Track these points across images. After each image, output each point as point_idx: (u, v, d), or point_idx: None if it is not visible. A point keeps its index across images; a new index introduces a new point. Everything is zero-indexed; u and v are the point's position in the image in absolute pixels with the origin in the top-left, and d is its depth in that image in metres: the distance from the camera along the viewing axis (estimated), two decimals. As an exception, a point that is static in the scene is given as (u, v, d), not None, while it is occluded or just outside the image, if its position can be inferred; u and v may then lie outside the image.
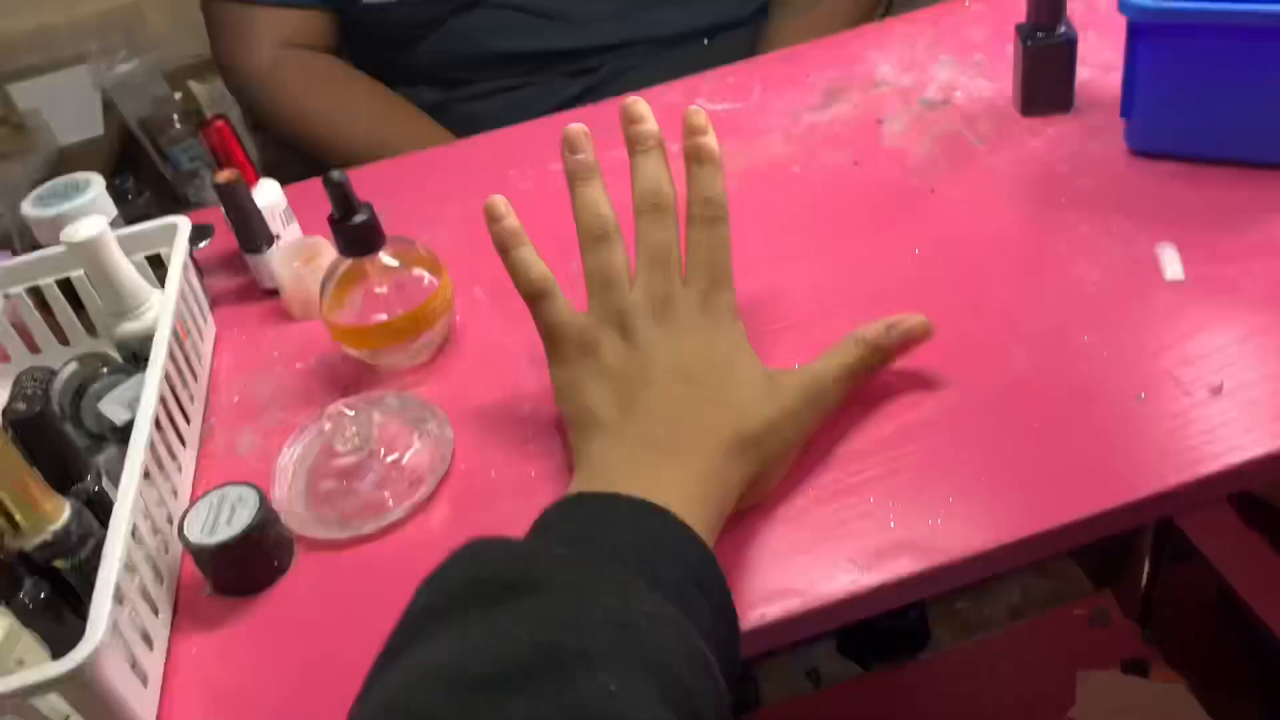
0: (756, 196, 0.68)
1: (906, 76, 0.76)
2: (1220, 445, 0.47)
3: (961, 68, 0.75)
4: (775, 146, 0.72)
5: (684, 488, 0.44)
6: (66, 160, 1.43)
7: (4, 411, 0.51)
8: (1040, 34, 0.66)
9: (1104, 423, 0.49)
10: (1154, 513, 0.47)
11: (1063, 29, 0.66)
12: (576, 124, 0.53)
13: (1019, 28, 0.67)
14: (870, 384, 0.53)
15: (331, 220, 0.57)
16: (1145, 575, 1.19)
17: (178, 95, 1.49)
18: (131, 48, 1.50)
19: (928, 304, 0.53)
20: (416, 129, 0.96)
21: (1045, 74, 0.67)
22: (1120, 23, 0.59)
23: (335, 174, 0.56)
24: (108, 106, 1.51)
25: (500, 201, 0.53)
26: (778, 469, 0.49)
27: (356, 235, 0.57)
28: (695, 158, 0.51)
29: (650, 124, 0.52)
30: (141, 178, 0.84)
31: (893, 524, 0.47)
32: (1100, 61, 0.71)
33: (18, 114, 1.48)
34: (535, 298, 0.52)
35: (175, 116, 1.47)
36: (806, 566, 0.47)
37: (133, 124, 1.49)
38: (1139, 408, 0.50)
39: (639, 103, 0.52)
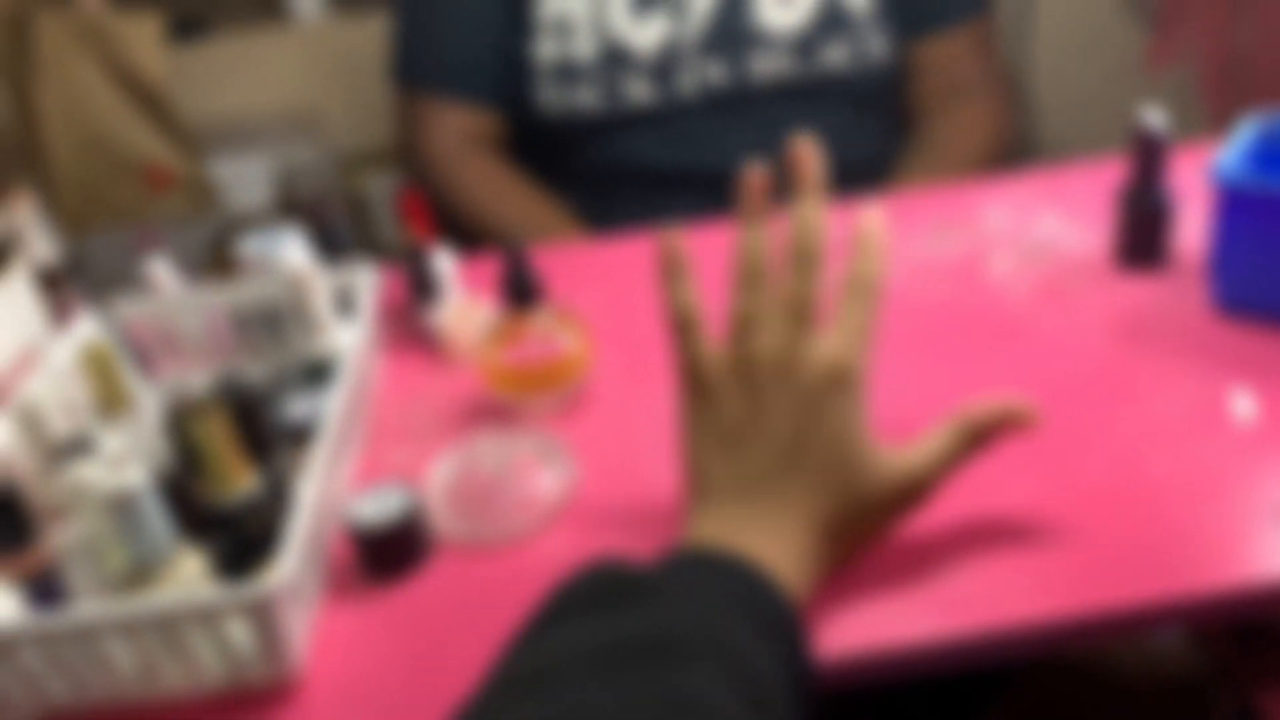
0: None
1: (1014, 224, 0.84)
2: (1268, 565, 0.52)
3: (1067, 222, 0.83)
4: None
5: (777, 557, 0.49)
6: (236, 225, 1.61)
7: (226, 385, 0.61)
8: (1139, 197, 0.74)
9: (1163, 530, 0.55)
10: (1203, 614, 0.52)
11: (1160, 194, 0.74)
12: (759, 172, 0.54)
13: (1121, 189, 0.75)
14: (961, 471, 0.59)
15: (506, 275, 0.67)
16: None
17: (343, 181, 1.67)
18: (310, 134, 1.69)
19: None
20: (562, 227, 1.08)
21: (1140, 233, 0.75)
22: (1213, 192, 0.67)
23: (516, 242, 0.67)
24: (280, 184, 1.69)
25: (675, 237, 0.55)
26: (863, 547, 0.54)
27: (525, 290, 0.67)
28: (862, 245, 0.53)
29: (816, 169, 0.53)
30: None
31: (957, 587, 0.53)
32: (1194, 225, 0.78)
33: (207, 185, 1.67)
34: (680, 329, 0.54)
35: (336, 199, 1.63)
36: (883, 615, 0.53)
37: (299, 201, 1.66)
38: (1197, 523, 0.55)
39: (808, 146, 0.54)
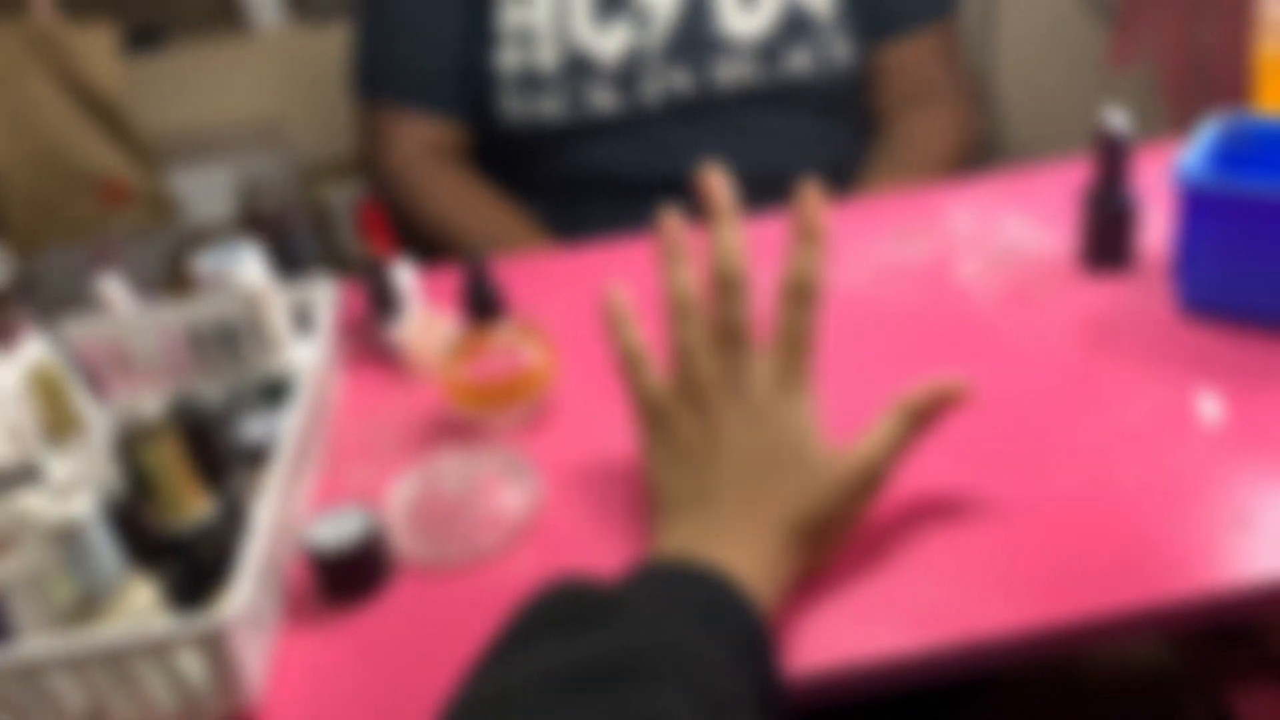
0: (824, 316, 0.75)
1: (979, 228, 0.84)
2: (1236, 570, 0.52)
3: (1032, 224, 0.83)
4: (846, 275, 0.80)
5: (744, 567, 0.49)
6: (195, 239, 1.58)
7: (178, 407, 0.59)
8: (1103, 198, 0.74)
9: (1133, 537, 0.54)
10: (1176, 620, 0.51)
11: (1124, 195, 0.73)
12: (673, 215, 0.57)
13: (1085, 191, 0.75)
14: (920, 480, 0.59)
15: (467, 289, 0.66)
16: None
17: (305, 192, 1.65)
18: (271, 145, 1.67)
19: (975, 421, 0.59)
20: (526, 236, 1.07)
21: (1105, 235, 0.74)
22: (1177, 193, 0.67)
23: (477, 255, 0.66)
24: (242, 196, 1.66)
25: (617, 287, 0.59)
26: (833, 548, 0.54)
27: (487, 304, 0.65)
28: (803, 234, 0.53)
29: (724, 195, 0.55)
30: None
31: (928, 600, 0.52)
32: (1159, 226, 0.78)
33: (165, 197, 1.64)
34: (627, 365, 0.57)
35: (299, 211, 1.61)
36: (848, 629, 0.52)
37: (260, 213, 1.64)
38: (1166, 530, 0.55)
39: (717, 177, 0.56)
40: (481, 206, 1.09)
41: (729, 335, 0.54)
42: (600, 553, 0.59)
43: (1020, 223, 0.84)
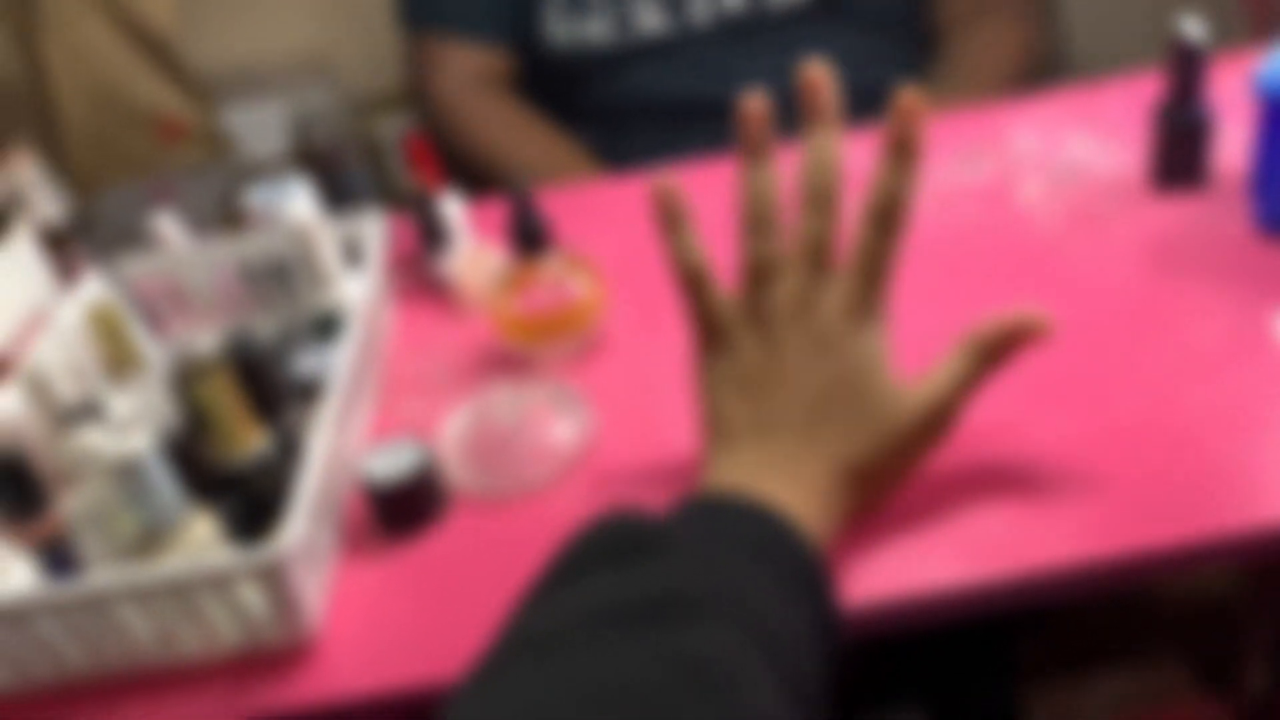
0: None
1: (1043, 147, 0.81)
2: (1316, 495, 0.50)
3: (1099, 143, 0.80)
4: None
5: (799, 503, 0.47)
6: (250, 175, 1.59)
7: (232, 343, 0.59)
8: (1176, 113, 0.70)
9: (1203, 465, 0.53)
10: (1248, 552, 0.50)
11: (1199, 109, 0.70)
12: (758, 100, 0.50)
13: (1157, 105, 0.72)
14: (982, 407, 0.57)
15: (513, 222, 0.65)
16: (1258, 681, 1.16)
17: (358, 127, 1.64)
18: (323, 79, 1.66)
19: (1040, 347, 0.57)
20: (575, 165, 1.05)
21: (1178, 151, 0.71)
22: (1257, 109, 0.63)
23: (522, 186, 0.65)
24: (295, 131, 1.66)
25: (669, 184, 0.51)
26: (892, 489, 0.52)
27: (534, 236, 0.65)
28: (897, 149, 0.48)
29: (830, 96, 0.48)
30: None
31: (992, 531, 0.51)
32: (1237, 143, 0.74)
33: (220, 134, 1.65)
34: (689, 284, 0.51)
35: (351, 146, 1.61)
36: (909, 560, 0.51)
37: (313, 149, 1.64)
38: (1238, 457, 0.53)
39: (820, 70, 0.48)
40: (530, 136, 1.08)
41: (810, 255, 0.49)
42: (651, 486, 0.59)
43: (1086, 141, 0.80)
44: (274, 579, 0.49)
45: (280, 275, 0.74)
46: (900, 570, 0.51)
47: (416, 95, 1.15)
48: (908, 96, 0.47)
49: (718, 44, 1.04)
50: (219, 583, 0.50)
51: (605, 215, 0.84)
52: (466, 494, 0.60)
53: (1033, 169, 0.79)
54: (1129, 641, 1.20)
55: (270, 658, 0.53)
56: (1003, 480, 0.54)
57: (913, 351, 0.54)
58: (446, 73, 1.10)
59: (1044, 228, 0.72)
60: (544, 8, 1.05)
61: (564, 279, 0.68)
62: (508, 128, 1.08)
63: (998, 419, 0.57)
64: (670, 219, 0.51)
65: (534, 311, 0.67)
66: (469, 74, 1.09)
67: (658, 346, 0.68)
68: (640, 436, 0.62)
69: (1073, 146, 0.80)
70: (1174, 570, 0.50)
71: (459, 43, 1.09)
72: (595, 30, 1.03)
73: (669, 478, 0.59)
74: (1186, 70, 0.69)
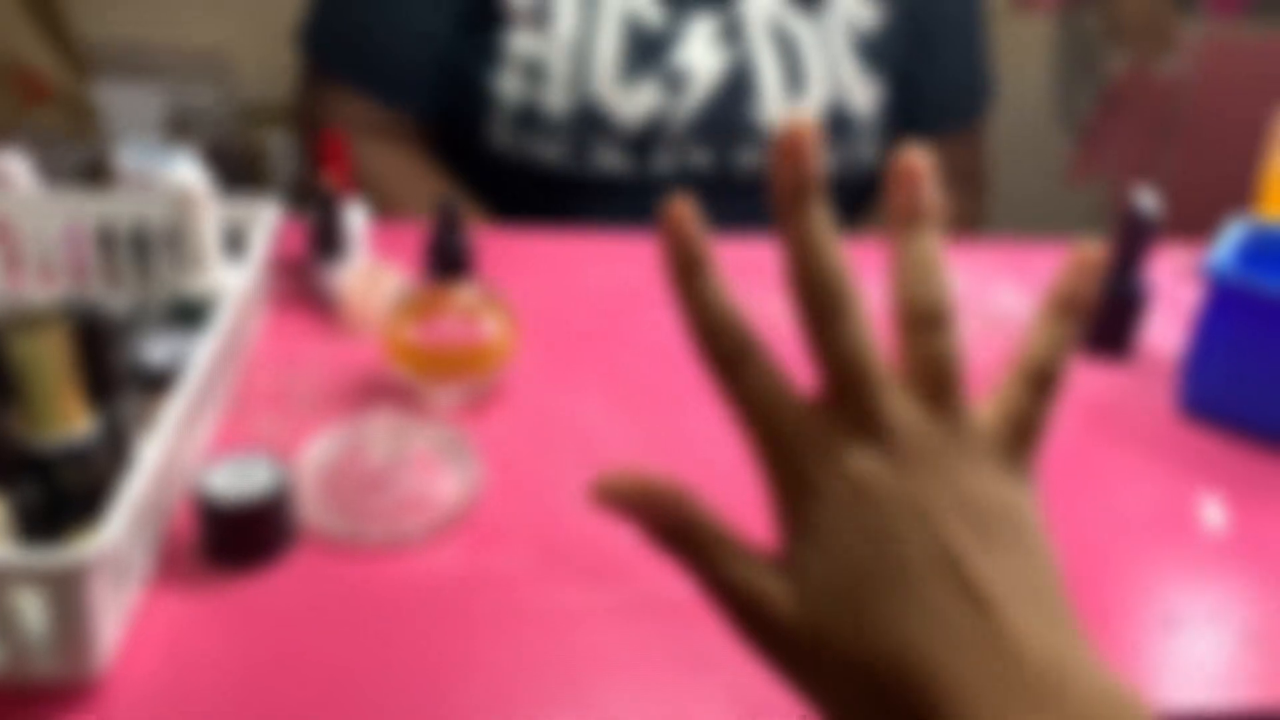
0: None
1: (974, 292, 0.79)
2: (1225, 685, 0.47)
3: (1026, 296, 0.79)
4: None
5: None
6: (111, 157, 1.45)
7: (75, 305, 0.49)
8: (1116, 281, 0.70)
9: (1121, 640, 0.49)
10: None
11: (1137, 282, 0.70)
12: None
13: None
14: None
15: (433, 240, 0.58)
16: None
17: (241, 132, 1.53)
18: (212, 77, 1.55)
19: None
20: (476, 219, 0.97)
21: (1113, 320, 0.70)
22: (1190, 294, 0.63)
23: (450, 200, 0.58)
24: (172, 123, 1.54)
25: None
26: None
27: (453, 259, 0.57)
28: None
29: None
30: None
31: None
32: (1167, 321, 0.74)
33: (88, 108, 1.51)
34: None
35: (233, 149, 1.50)
36: None
37: (191, 144, 1.52)
38: (1159, 634, 0.50)
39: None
40: (423, 187, 0.97)
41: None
42: (537, 560, 0.51)
43: (1015, 292, 0.80)
44: (66, 590, 0.39)
45: (142, 246, 0.64)
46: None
47: (304, 117, 1.02)
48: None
49: (677, 194, 0.96)
50: (-7, 584, 0.39)
51: (526, 260, 0.78)
52: (318, 532, 0.51)
53: (964, 311, 0.77)
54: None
55: (36, 694, 0.41)
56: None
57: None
58: (342, 116, 0.95)
59: (972, 373, 0.70)
60: (491, 110, 0.93)
61: (476, 313, 0.60)
62: (399, 176, 0.97)
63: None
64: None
65: (435, 342, 0.59)
66: (366, 125, 0.95)
67: (563, 405, 0.61)
68: (529, 500, 0.55)
69: (1001, 296, 0.79)
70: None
71: (362, 97, 0.96)
72: (548, 152, 0.93)
73: (557, 551, 0.51)
74: (1133, 241, 0.69)
